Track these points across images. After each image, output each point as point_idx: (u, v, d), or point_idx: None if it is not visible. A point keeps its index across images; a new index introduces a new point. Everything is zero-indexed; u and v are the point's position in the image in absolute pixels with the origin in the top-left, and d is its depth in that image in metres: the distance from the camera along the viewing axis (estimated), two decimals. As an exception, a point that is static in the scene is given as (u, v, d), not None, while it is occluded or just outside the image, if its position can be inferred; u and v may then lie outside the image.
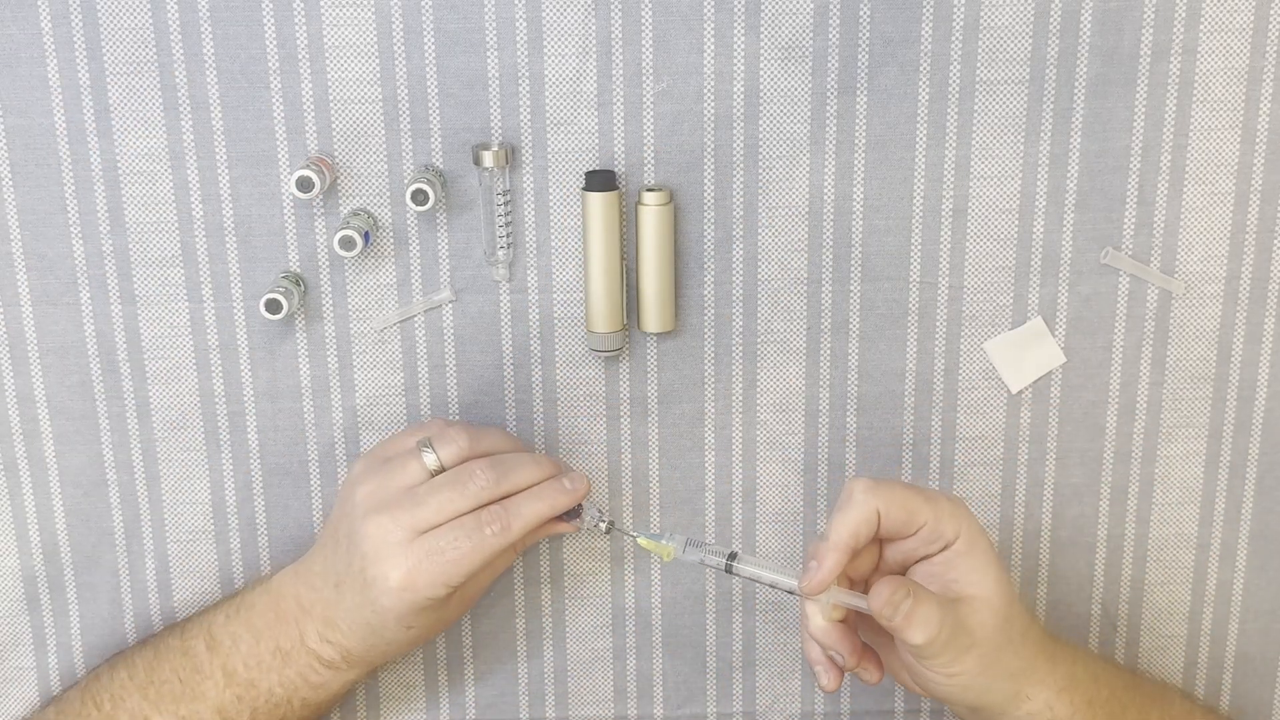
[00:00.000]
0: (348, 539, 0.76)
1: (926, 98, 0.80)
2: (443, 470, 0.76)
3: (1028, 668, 0.74)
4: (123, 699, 0.81)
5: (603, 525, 0.79)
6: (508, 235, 0.81)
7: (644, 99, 0.79)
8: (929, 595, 0.71)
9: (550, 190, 0.81)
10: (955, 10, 0.78)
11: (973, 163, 0.81)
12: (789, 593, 0.74)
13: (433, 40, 0.78)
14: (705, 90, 0.79)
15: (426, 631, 0.78)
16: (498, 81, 0.79)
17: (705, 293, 0.83)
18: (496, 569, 0.80)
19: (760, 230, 0.82)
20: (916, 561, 0.74)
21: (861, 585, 0.76)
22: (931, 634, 0.70)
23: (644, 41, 0.79)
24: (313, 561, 0.80)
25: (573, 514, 0.78)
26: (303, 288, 0.82)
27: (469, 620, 0.88)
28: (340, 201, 0.81)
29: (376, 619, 0.76)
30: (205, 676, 0.79)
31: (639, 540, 0.77)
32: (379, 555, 0.74)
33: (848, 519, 0.72)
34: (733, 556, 0.76)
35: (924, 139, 0.80)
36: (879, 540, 0.74)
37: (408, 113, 0.79)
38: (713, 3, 0.78)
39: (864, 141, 0.80)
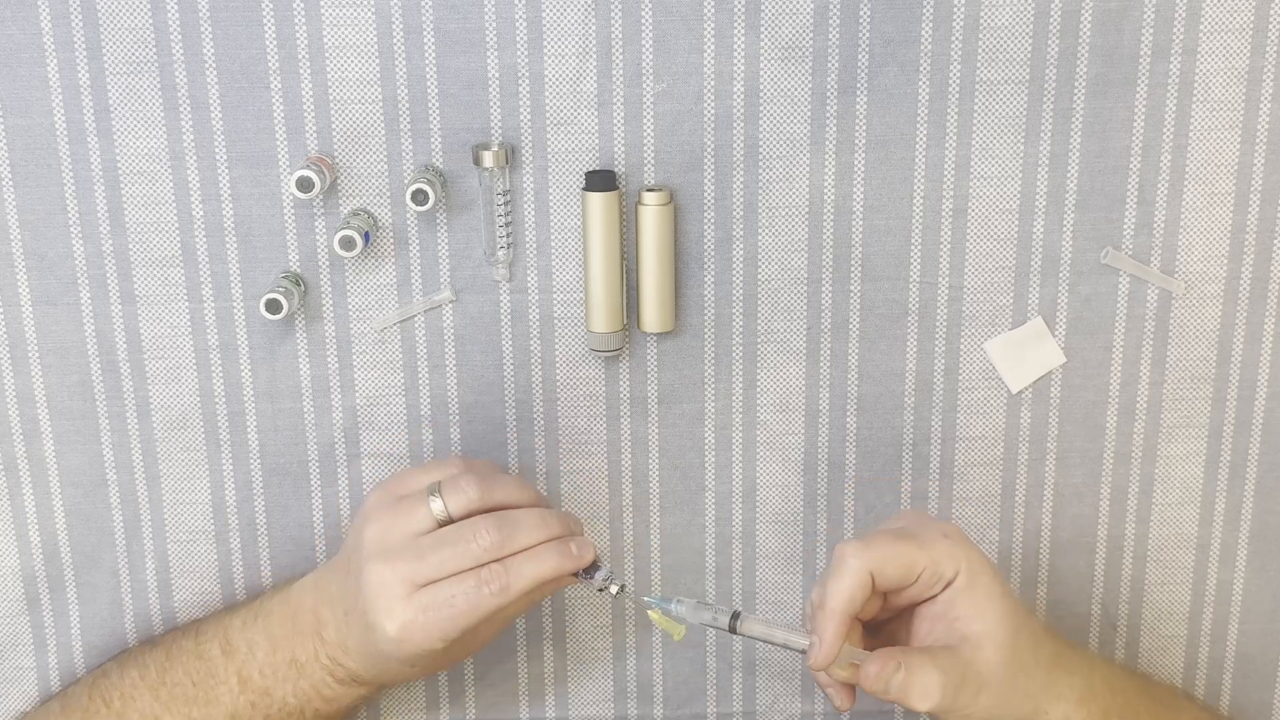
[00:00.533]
0: (355, 576, 0.75)
1: (926, 98, 0.80)
2: (450, 520, 0.75)
3: (1044, 686, 0.73)
4: (133, 698, 0.81)
5: (613, 589, 0.77)
6: (508, 235, 0.81)
7: (644, 99, 0.79)
8: (923, 660, 0.70)
9: (550, 190, 0.81)
10: (955, 10, 0.78)
11: (973, 163, 0.81)
12: (800, 652, 0.73)
13: (433, 40, 0.78)
14: (705, 90, 0.79)
15: (433, 668, 0.79)
16: (498, 81, 0.79)
17: (705, 293, 0.83)
18: (502, 620, 0.78)
19: (760, 230, 0.82)
20: (921, 603, 0.73)
21: (872, 626, 0.75)
22: (935, 700, 0.70)
23: (644, 41, 0.79)
24: (330, 580, 0.79)
25: (587, 573, 0.76)
26: (303, 288, 0.82)
27: (469, 620, 0.88)
28: (340, 201, 0.81)
29: (380, 656, 0.75)
30: (220, 681, 0.79)
31: (650, 614, 0.76)
32: (377, 604, 0.74)
33: (842, 587, 0.70)
34: (735, 616, 0.75)
35: (924, 139, 0.80)
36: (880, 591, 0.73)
37: (408, 113, 0.79)
38: (713, 3, 0.78)
39: (864, 141, 0.80)
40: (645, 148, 0.80)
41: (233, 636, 0.80)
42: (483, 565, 0.74)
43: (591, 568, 0.76)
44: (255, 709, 0.79)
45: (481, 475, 0.77)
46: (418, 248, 0.82)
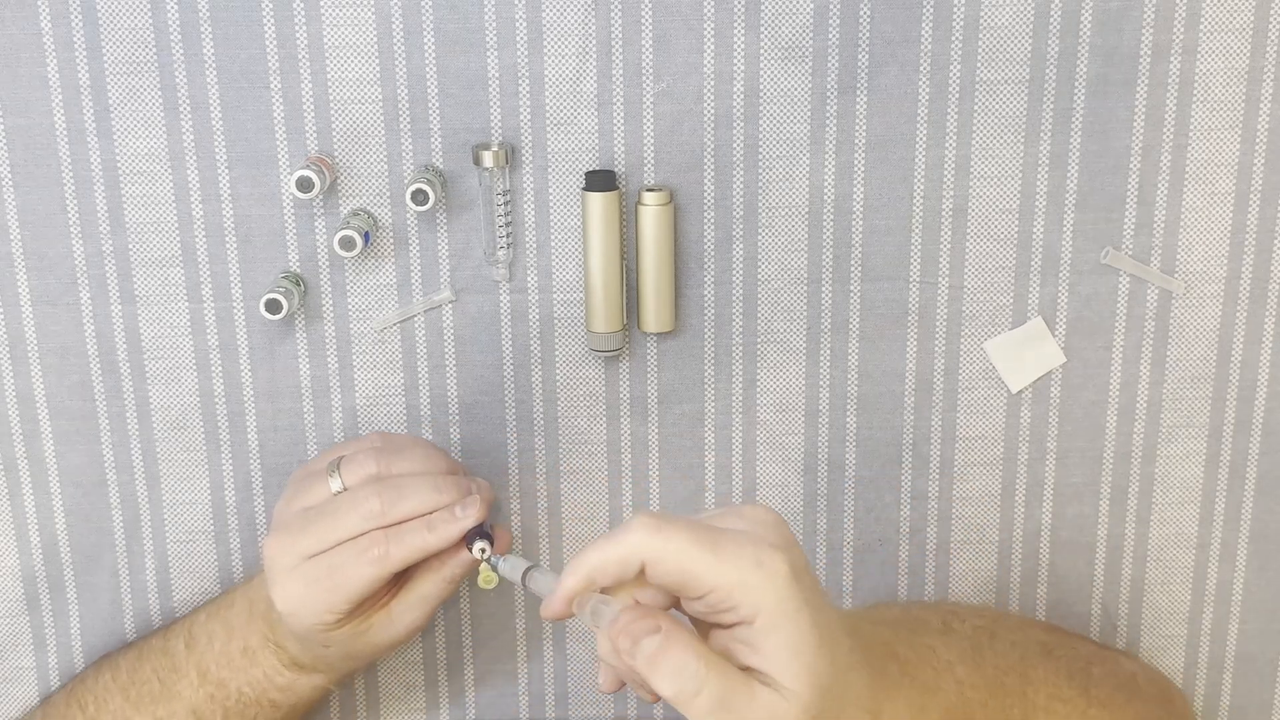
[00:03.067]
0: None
1: (926, 98, 0.80)
2: None
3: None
4: (105, 700, 0.81)
5: (477, 550, 0.73)
6: (508, 235, 0.81)
7: (644, 99, 0.79)
8: (688, 643, 0.57)
9: (550, 190, 0.81)
10: (955, 10, 0.78)
11: (973, 163, 0.81)
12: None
13: (433, 40, 0.78)
14: (705, 90, 0.79)
15: (354, 653, 0.76)
16: (498, 81, 0.79)
17: (705, 293, 0.83)
18: (426, 598, 0.75)
19: (760, 230, 0.82)
20: (711, 625, 0.60)
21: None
22: (682, 689, 0.56)
23: (644, 41, 0.79)
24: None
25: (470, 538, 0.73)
26: (303, 288, 0.82)
27: (469, 621, 0.88)
28: (340, 201, 0.81)
29: (294, 634, 0.75)
30: (181, 675, 0.79)
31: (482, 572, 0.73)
32: (272, 578, 0.74)
33: (602, 551, 0.58)
34: (529, 570, 0.69)
35: (924, 139, 0.80)
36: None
37: (408, 113, 0.79)
38: (713, 3, 0.78)
39: (864, 141, 0.80)
40: (645, 148, 0.80)
41: (196, 630, 0.80)
42: (363, 534, 0.73)
43: (478, 534, 0.73)
44: (214, 701, 0.78)
45: (386, 449, 0.76)
46: (418, 248, 0.82)
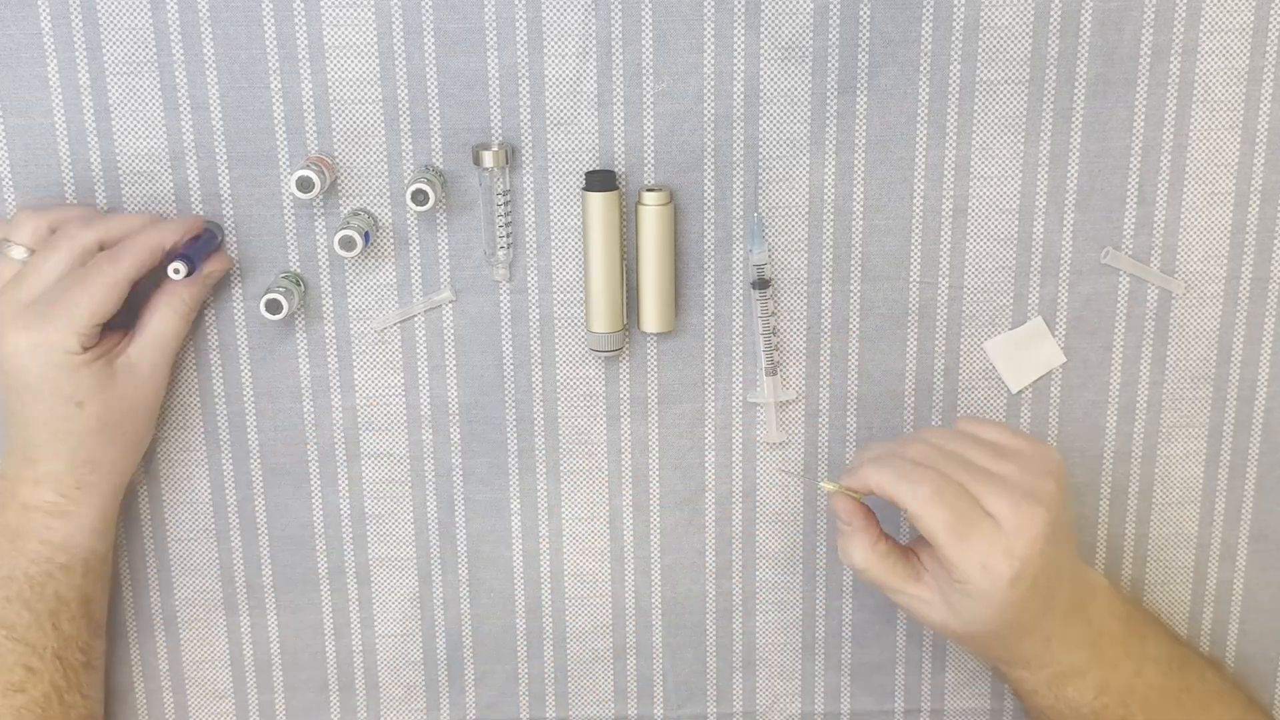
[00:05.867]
0: None
1: (926, 98, 0.80)
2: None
3: (997, 661, 0.76)
4: None
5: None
6: (508, 235, 0.81)
7: (644, 99, 0.79)
8: (863, 536, 0.75)
9: (550, 190, 0.81)
10: (955, 10, 0.78)
11: (973, 163, 0.81)
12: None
13: (433, 40, 0.78)
14: (705, 90, 0.79)
15: (116, 420, 0.76)
16: (498, 81, 0.79)
17: (705, 293, 0.83)
18: (160, 335, 0.77)
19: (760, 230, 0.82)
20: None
21: None
22: (856, 563, 0.76)
23: (644, 41, 0.79)
24: None
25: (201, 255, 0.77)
26: (303, 288, 0.82)
27: (469, 620, 0.88)
28: (340, 201, 0.81)
29: (39, 409, 0.74)
30: None
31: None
32: (2, 335, 0.73)
33: (887, 487, 0.73)
34: None
35: (924, 139, 0.80)
36: None
37: (408, 113, 0.79)
38: (713, 3, 0.78)
39: (864, 141, 0.80)
40: (645, 148, 0.80)
41: None
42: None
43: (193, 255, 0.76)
44: (9, 603, 0.76)
45: (41, 209, 0.77)
46: (418, 248, 0.82)
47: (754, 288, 0.81)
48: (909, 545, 0.77)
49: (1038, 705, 0.78)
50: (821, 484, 0.78)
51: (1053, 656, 0.76)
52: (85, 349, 0.74)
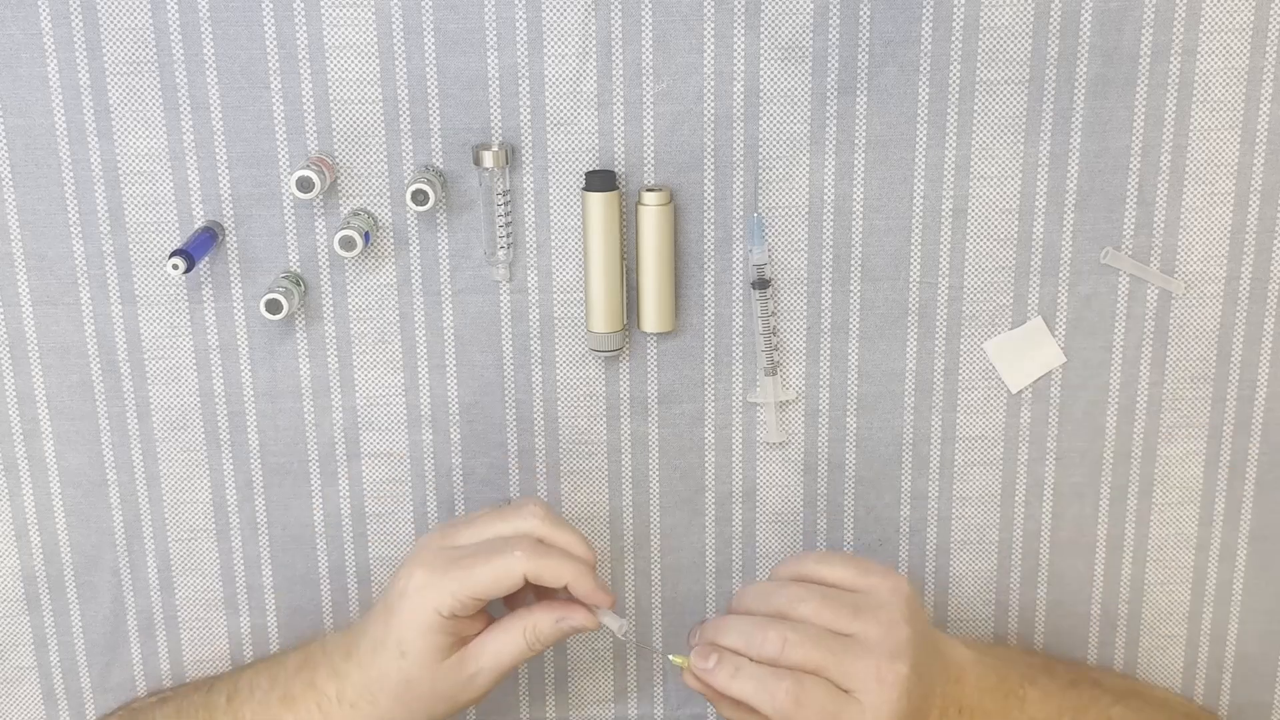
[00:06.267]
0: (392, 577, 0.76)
1: (926, 98, 0.80)
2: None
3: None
4: None
5: (626, 634, 0.76)
6: (508, 235, 0.81)
7: (644, 99, 0.79)
8: (750, 674, 0.71)
9: (550, 190, 0.81)
10: (955, 10, 0.78)
11: (973, 163, 0.81)
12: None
13: (433, 40, 0.78)
14: (705, 90, 0.79)
15: (418, 680, 0.74)
16: (498, 81, 0.79)
17: (705, 293, 0.83)
18: (499, 650, 0.75)
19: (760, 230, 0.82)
20: None
21: None
22: (742, 701, 0.72)
23: (644, 41, 0.79)
24: (358, 629, 0.78)
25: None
26: (303, 288, 0.82)
27: (469, 620, 0.88)
28: (340, 201, 0.81)
29: (384, 634, 0.74)
30: None
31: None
32: (410, 560, 0.74)
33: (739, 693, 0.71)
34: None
35: (924, 139, 0.80)
36: None
37: (408, 113, 0.79)
38: (713, 3, 0.78)
39: (864, 141, 0.80)
40: (645, 148, 0.80)
41: (240, 682, 0.80)
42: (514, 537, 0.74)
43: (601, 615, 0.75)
44: None
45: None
46: (418, 248, 0.82)
47: (754, 288, 0.81)
48: None
49: None
50: (671, 658, 0.76)
51: None
52: (452, 615, 0.73)
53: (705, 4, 0.78)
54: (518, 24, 0.78)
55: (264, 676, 0.79)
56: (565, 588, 0.73)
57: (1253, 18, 0.78)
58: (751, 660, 0.72)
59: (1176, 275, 0.83)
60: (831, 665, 0.71)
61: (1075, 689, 0.82)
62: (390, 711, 0.75)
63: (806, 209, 0.81)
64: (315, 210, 0.81)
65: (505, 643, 0.75)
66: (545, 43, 0.78)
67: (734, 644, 0.72)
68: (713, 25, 0.78)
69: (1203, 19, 0.78)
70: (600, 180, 0.79)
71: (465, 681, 0.75)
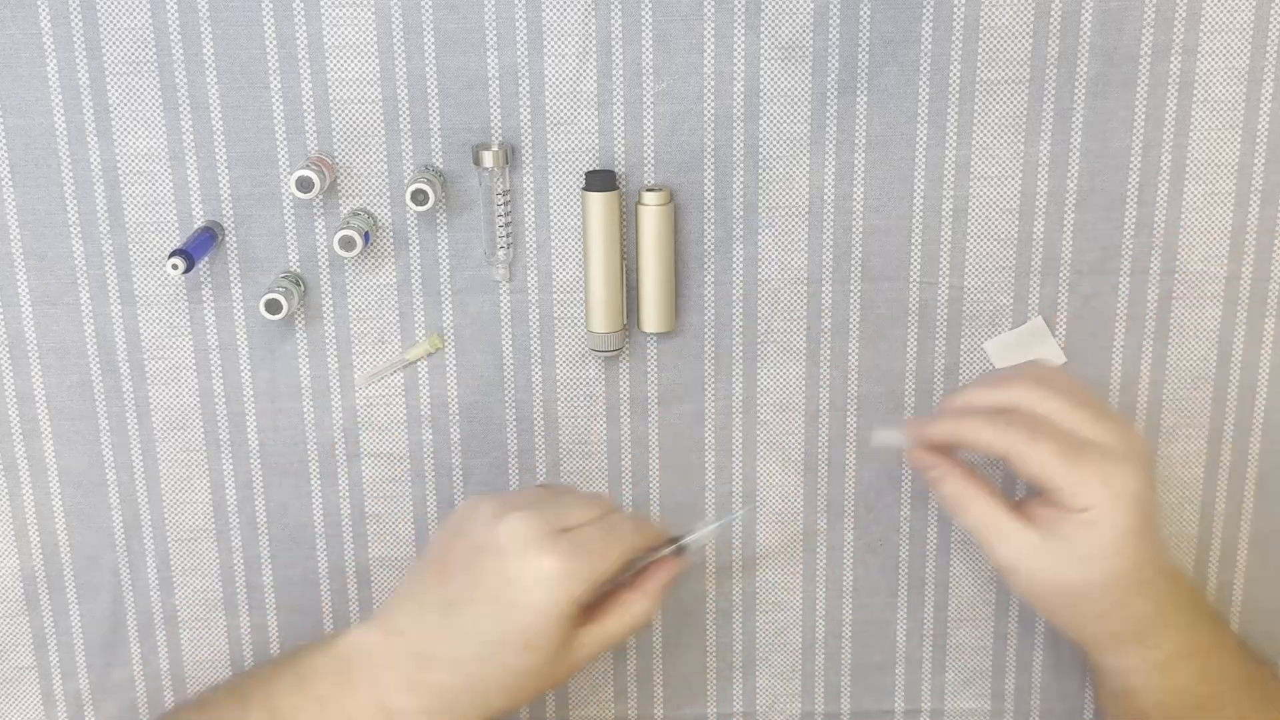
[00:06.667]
0: (472, 551, 0.71)
1: (926, 98, 0.80)
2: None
3: (1101, 641, 0.75)
4: None
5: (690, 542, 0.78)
6: (508, 235, 0.81)
7: (644, 99, 0.79)
8: (957, 478, 0.74)
9: (550, 190, 0.81)
10: (955, 10, 0.78)
11: (973, 163, 0.81)
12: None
13: (433, 40, 0.78)
14: (705, 90, 0.79)
15: (539, 670, 0.71)
16: (498, 81, 0.79)
17: (705, 293, 0.83)
18: (621, 632, 0.74)
19: (760, 230, 0.82)
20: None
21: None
22: (949, 508, 0.75)
23: (644, 41, 0.79)
24: (397, 610, 0.74)
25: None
26: (303, 288, 0.82)
27: (469, 620, 0.88)
28: (340, 201, 0.81)
29: (502, 631, 0.70)
30: None
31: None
32: (525, 549, 0.70)
33: (984, 441, 0.73)
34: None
35: (924, 139, 0.80)
36: None
37: (408, 113, 0.79)
38: (713, 3, 0.78)
39: (864, 141, 0.80)
40: (645, 148, 0.80)
41: (278, 703, 0.74)
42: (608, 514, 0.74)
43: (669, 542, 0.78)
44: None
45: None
46: (418, 248, 0.82)
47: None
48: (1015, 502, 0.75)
49: (1138, 706, 0.76)
50: (875, 433, 0.77)
51: (1169, 625, 0.74)
52: (581, 603, 0.71)
53: (705, 4, 0.78)
54: (518, 24, 0.78)
55: (304, 699, 0.74)
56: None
57: (1253, 17, 0.78)
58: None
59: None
60: (1073, 429, 0.72)
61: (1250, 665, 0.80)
62: (485, 708, 0.72)
63: (806, 209, 0.81)
64: (315, 210, 0.81)
65: (617, 624, 0.74)
66: (545, 43, 0.78)
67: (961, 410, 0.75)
68: (713, 25, 0.78)
69: (1203, 19, 0.78)
70: (600, 180, 0.79)
71: (573, 663, 0.73)
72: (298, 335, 0.83)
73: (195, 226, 0.80)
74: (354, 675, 0.73)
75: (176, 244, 0.81)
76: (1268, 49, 0.79)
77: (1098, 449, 0.71)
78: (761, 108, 0.80)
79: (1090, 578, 0.72)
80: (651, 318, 0.82)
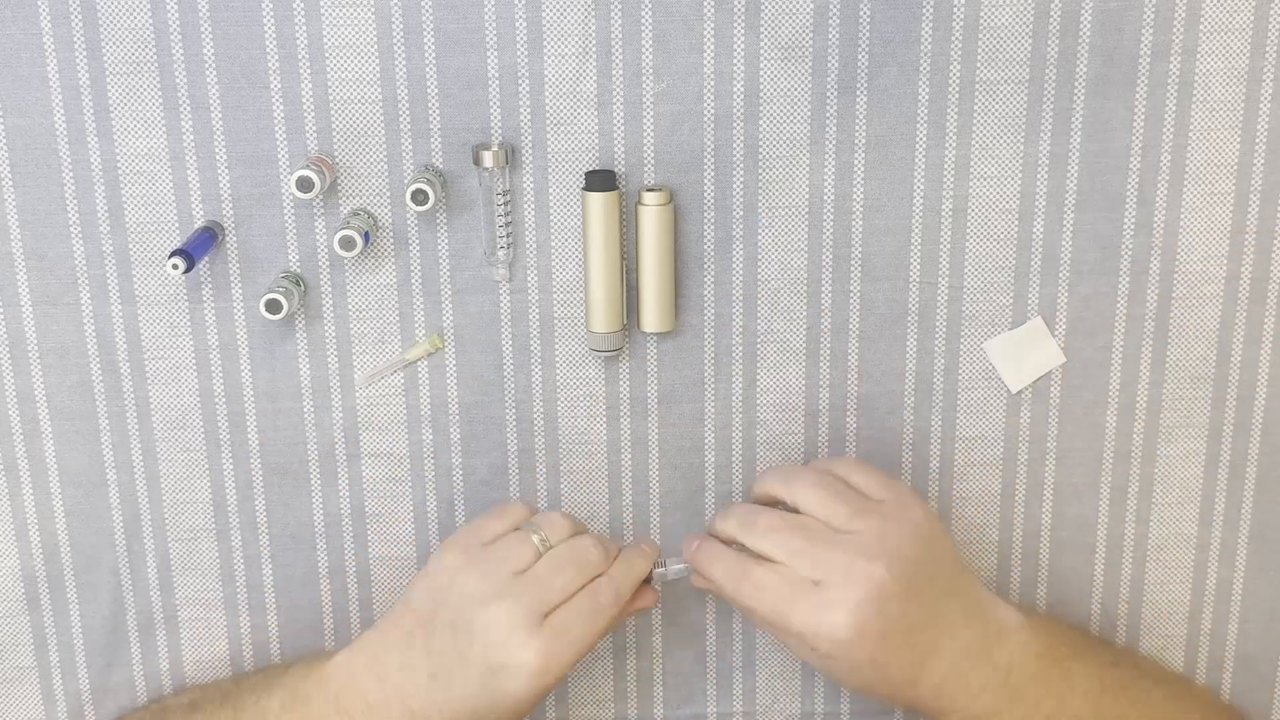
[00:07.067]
0: (457, 630, 0.73)
1: (926, 98, 0.80)
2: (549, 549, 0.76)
3: (926, 702, 0.76)
4: None
5: (668, 572, 0.80)
6: (508, 235, 0.81)
7: (644, 99, 0.79)
8: (719, 558, 0.76)
9: (550, 190, 0.81)
10: (955, 10, 0.78)
11: (973, 163, 0.81)
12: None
13: (433, 40, 0.78)
14: (705, 90, 0.79)
15: (521, 715, 0.75)
16: (498, 81, 0.79)
17: (705, 293, 0.83)
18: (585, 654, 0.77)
19: (760, 230, 0.82)
20: None
21: None
22: (715, 588, 0.76)
23: (644, 41, 0.79)
24: (387, 653, 0.76)
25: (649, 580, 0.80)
26: (303, 288, 0.82)
27: (469, 620, 0.88)
28: (340, 201, 0.81)
29: (491, 706, 0.73)
30: None
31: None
32: (509, 643, 0.72)
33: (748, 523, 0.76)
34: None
35: (924, 139, 0.80)
36: None
37: (408, 113, 0.79)
38: (713, 3, 0.78)
39: (864, 141, 0.80)
40: (645, 148, 0.80)
41: None
42: (590, 581, 0.75)
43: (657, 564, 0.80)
44: None
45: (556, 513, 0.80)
46: (418, 248, 0.82)
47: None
48: None
49: None
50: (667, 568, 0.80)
51: (953, 702, 0.75)
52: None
53: (705, 4, 0.78)
54: (517, 24, 0.78)
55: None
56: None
57: (1253, 18, 0.78)
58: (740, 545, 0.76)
59: (1176, 276, 0.82)
60: (806, 552, 0.72)
61: (1117, 669, 0.81)
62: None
63: (806, 209, 0.81)
64: (315, 210, 0.81)
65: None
66: (545, 43, 0.78)
67: (729, 529, 0.77)
68: (713, 25, 0.78)
69: (1203, 19, 0.78)
70: (600, 180, 0.79)
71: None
72: (298, 335, 0.83)
73: (195, 226, 0.80)
74: (348, 708, 0.76)
75: (177, 244, 0.81)
76: (1267, 49, 0.79)
77: (811, 591, 0.73)
78: (761, 108, 0.80)
79: (855, 686, 0.76)
80: (651, 318, 0.82)
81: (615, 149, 0.80)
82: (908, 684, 0.74)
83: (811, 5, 0.78)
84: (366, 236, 0.79)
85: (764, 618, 0.74)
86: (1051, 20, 0.78)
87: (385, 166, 0.80)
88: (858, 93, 0.79)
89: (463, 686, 0.74)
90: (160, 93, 0.79)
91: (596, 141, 0.80)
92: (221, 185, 0.80)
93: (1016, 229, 0.82)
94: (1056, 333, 0.84)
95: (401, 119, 0.79)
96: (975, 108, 0.80)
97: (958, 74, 0.79)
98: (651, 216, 0.80)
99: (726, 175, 0.81)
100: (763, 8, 0.78)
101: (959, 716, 0.75)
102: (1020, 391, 0.84)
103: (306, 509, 0.86)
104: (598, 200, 0.79)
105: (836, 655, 0.72)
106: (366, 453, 0.85)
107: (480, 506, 0.86)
